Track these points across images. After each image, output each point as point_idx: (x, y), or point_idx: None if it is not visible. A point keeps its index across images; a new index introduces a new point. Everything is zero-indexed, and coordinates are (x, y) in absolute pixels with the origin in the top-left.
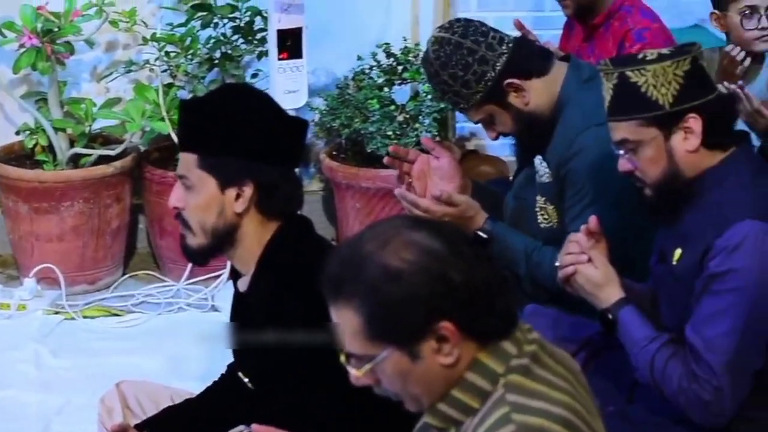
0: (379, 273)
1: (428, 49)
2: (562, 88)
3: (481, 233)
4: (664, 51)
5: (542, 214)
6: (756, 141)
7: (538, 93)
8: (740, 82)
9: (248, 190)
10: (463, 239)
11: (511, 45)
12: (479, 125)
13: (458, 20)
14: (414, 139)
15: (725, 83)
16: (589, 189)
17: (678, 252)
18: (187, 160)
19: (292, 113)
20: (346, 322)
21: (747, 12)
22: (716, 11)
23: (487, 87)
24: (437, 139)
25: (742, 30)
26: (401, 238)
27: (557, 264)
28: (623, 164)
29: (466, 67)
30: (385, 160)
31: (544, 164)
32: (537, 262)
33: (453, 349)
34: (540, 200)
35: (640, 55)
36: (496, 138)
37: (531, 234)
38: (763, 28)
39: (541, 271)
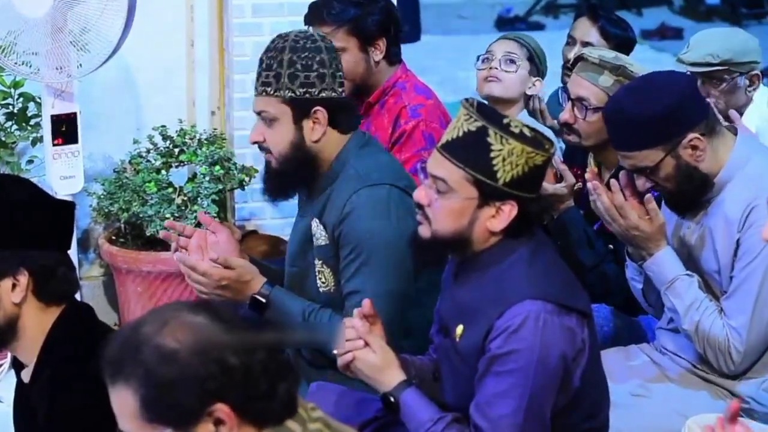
0: (155, 354)
1: (291, 32)
2: (341, 152)
3: (258, 297)
4: (528, 133)
5: (320, 278)
6: None
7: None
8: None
9: (23, 279)
10: (243, 324)
11: (342, 91)
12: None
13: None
14: (193, 220)
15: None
16: (362, 249)
17: (460, 328)
18: None
19: (69, 199)
20: (123, 404)
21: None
22: None
23: (299, 96)
24: (216, 219)
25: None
26: (179, 320)
27: (335, 352)
28: (420, 194)
29: (307, 67)
30: (161, 233)
31: (321, 227)
32: (314, 324)
33: None
34: (318, 263)
35: (506, 121)
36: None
37: (310, 299)
38: (491, 68)
39: (319, 333)
